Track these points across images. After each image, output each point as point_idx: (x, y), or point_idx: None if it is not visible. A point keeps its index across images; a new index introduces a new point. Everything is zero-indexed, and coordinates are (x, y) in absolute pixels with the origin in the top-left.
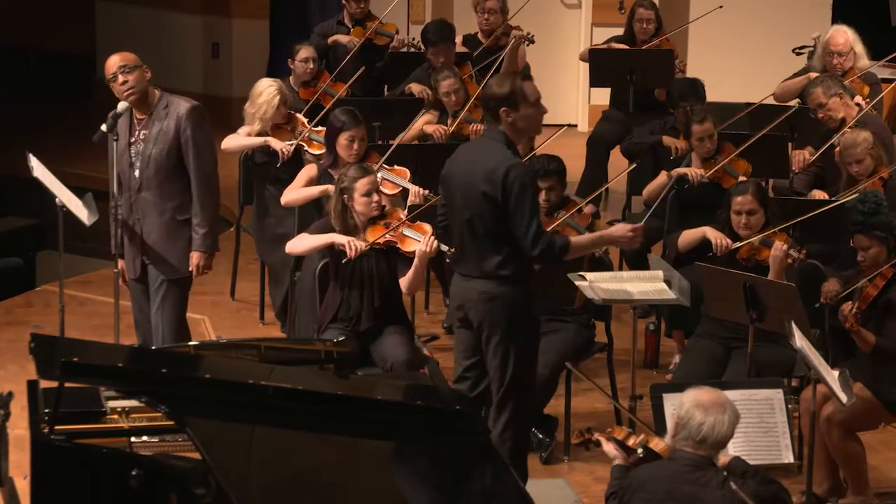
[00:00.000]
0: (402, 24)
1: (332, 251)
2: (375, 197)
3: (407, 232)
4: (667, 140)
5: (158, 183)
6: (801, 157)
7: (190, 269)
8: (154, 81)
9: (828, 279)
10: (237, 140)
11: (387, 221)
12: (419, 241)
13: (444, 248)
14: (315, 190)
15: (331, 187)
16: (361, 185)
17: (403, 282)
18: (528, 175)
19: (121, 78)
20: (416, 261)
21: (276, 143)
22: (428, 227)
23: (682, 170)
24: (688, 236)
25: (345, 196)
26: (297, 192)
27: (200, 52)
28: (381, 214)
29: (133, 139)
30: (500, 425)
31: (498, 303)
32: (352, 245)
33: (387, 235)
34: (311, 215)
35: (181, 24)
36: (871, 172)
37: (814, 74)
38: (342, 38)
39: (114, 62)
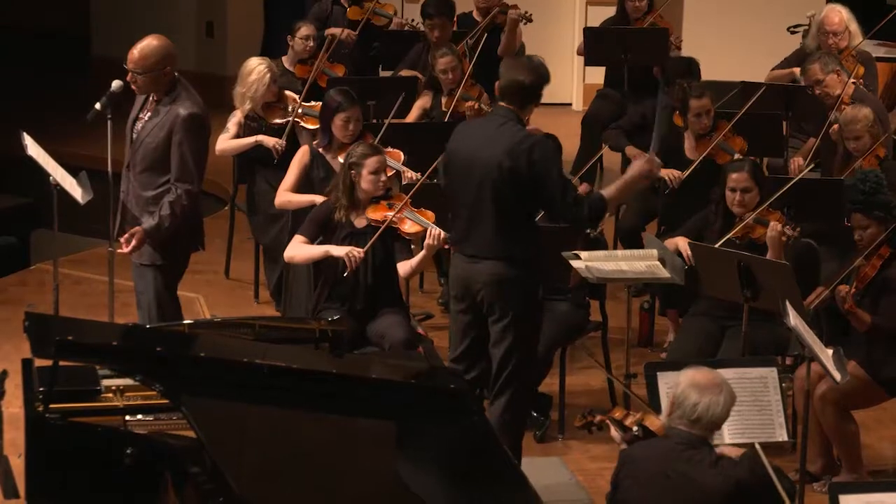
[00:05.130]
0: (397, 4)
1: (329, 260)
2: (383, 177)
3: (408, 214)
4: (630, 151)
5: (142, 169)
6: (796, 163)
7: (122, 239)
8: None
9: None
10: (229, 143)
11: (390, 202)
12: (418, 223)
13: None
14: (304, 198)
15: (317, 198)
16: (371, 163)
17: (404, 266)
18: (551, 148)
19: (130, 76)
20: (423, 251)
21: (268, 141)
22: (431, 213)
23: (661, 172)
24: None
25: (353, 172)
26: (288, 196)
27: (194, 31)
28: (385, 195)
29: (141, 115)
30: (501, 406)
31: (509, 285)
32: (350, 257)
33: (389, 216)
34: (308, 193)
35: (175, 3)
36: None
37: (798, 71)
38: (335, 31)
39: (131, 59)
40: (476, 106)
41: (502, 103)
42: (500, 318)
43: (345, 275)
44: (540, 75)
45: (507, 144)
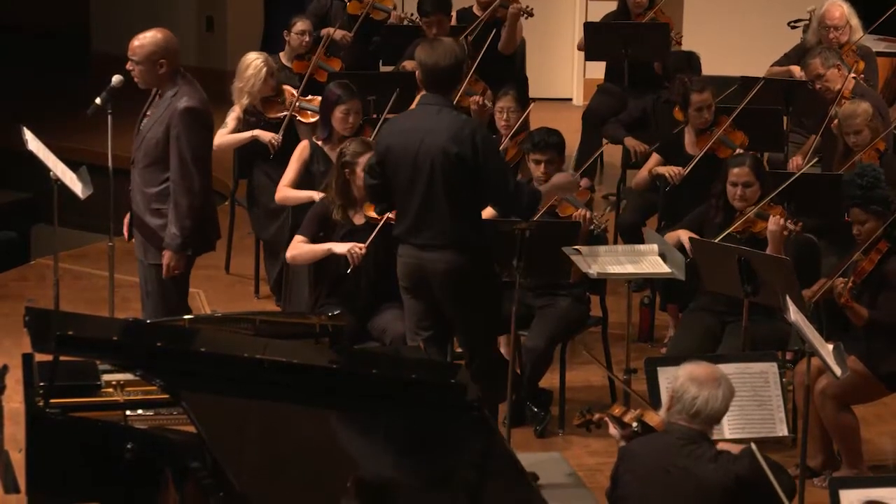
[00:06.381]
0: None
1: (331, 257)
2: None
3: None
4: (629, 142)
5: (145, 165)
6: (795, 162)
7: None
8: None
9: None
10: (225, 138)
11: None
12: None
13: None
14: (303, 194)
15: (315, 194)
16: (364, 160)
17: None
18: (489, 132)
19: (129, 64)
20: None
21: (264, 136)
22: None
23: (661, 169)
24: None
25: (346, 170)
26: (287, 191)
27: (195, 25)
28: None
29: (148, 111)
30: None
31: (467, 272)
32: (353, 253)
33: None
34: (308, 188)
35: None
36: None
37: (796, 69)
38: (336, 35)
39: (130, 46)
40: (480, 101)
41: (428, 92)
42: (461, 306)
43: (348, 271)
44: (455, 56)
45: (450, 131)
